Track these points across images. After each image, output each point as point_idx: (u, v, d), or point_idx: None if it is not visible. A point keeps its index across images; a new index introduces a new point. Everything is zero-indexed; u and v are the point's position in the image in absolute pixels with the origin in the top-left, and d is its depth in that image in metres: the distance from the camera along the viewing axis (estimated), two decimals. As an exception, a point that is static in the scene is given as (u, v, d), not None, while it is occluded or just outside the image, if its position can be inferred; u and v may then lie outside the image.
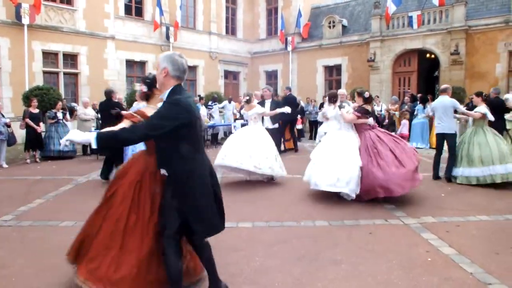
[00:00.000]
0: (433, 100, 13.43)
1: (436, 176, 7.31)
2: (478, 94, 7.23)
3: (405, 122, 12.65)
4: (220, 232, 2.71)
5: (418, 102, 12.92)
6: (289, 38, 19.85)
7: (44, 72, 14.21)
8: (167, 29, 17.61)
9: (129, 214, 2.77)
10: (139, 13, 17.45)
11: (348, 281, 3.18)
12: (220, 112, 14.91)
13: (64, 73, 14.85)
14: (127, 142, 2.78)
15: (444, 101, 7.19)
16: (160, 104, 2.72)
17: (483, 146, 6.75)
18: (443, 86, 7.61)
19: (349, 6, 19.92)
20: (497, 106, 8.13)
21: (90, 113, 11.29)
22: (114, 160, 6.81)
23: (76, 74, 15.22)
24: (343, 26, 18.98)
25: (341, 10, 19.94)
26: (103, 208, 2.91)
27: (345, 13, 19.66)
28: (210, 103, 14.74)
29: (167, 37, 17.71)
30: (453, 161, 7.12)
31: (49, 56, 14.42)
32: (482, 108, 6.94)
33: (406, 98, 13.56)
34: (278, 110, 7.63)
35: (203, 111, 14.25)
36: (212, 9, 19.96)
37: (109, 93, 7.71)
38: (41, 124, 10.02)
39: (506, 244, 4.00)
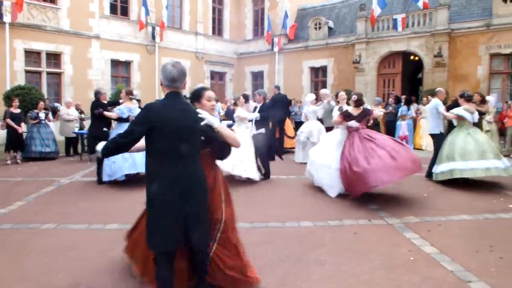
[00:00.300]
0: (416, 101, 13.72)
1: (428, 175, 7.48)
2: (461, 96, 7.37)
3: (402, 123, 12.73)
4: (164, 249, 2.48)
5: (402, 104, 13.11)
6: (276, 39, 19.90)
7: (26, 72, 13.93)
8: (153, 29, 17.47)
9: None
10: (125, 12, 17.27)
11: (331, 282, 3.20)
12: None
13: (47, 73, 14.59)
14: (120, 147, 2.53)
15: (432, 103, 7.63)
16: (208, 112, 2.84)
17: (462, 143, 6.86)
18: (436, 89, 8.04)
19: (335, 8, 20.08)
20: None
21: (73, 114, 11.12)
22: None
23: (59, 74, 14.98)
24: (329, 28, 19.12)
25: (327, 12, 20.09)
26: None
27: (331, 15, 19.81)
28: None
29: (153, 37, 17.57)
30: (434, 159, 7.36)
31: (31, 55, 14.16)
32: (457, 110, 7.09)
33: (390, 99, 13.72)
34: (249, 116, 7.45)
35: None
36: (199, 9, 19.89)
37: (96, 94, 7.71)
38: (23, 124, 9.82)
39: (486, 242, 4.09)
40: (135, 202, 5.72)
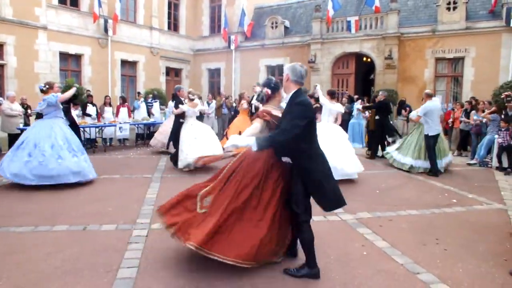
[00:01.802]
0: (368, 101, 14.24)
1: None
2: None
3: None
4: (341, 206, 3.30)
5: (355, 103, 13.58)
6: (232, 37, 19.83)
7: (-37, 62, 12.90)
8: (105, 21, 16.76)
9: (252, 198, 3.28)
10: (75, 3, 16.42)
11: (286, 278, 3.24)
12: (161, 110, 14.47)
13: (-12, 64, 13.59)
14: (282, 143, 3.07)
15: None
16: (283, 104, 3.42)
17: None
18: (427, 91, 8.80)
19: (291, 8, 20.35)
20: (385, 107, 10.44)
21: (17, 109, 10.42)
22: None
23: (1, 66, 13.98)
24: (285, 27, 19.35)
25: (284, 11, 20.32)
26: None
27: (287, 15, 20.05)
28: (150, 100, 14.26)
29: (106, 30, 16.85)
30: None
31: (-31, 45, 13.12)
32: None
33: (343, 99, 14.14)
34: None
35: (142, 108, 13.78)
36: (154, 3, 19.34)
37: (177, 90, 8.86)
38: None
39: (432, 235, 4.32)
40: (83, 202, 5.48)
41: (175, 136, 8.31)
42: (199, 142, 7.71)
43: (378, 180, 7.43)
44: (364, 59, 17.40)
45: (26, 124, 10.56)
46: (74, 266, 3.35)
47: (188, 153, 7.66)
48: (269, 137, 3.06)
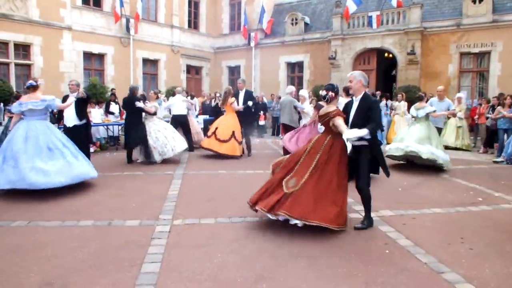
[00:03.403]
0: (390, 98, 14.03)
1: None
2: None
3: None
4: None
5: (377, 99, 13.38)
6: (252, 34, 19.84)
7: (-7, 63, 13.36)
8: (127, 21, 17.05)
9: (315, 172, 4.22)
10: (98, 3, 16.76)
11: (308, 274, 3.23)
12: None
13: (16, 64, 14.01)
14: (374, 132, 4.25)
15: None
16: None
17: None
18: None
19: (311, 4, 20.20)
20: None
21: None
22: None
23: (29, 66, 14.42)
24: (305, 24, 19.22)
25: (304, 7, 20.18)
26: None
27: (307, 11, 19.91)
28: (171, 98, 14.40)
29: (127, 29, 17.16)
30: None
31: (-2, 46, 13.56)
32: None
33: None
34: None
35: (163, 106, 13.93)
36: (174, 1, 19.54)
37: (132, 89, 8.59)
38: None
39: (457, 234, 4.23)
40: (107, 198, 5.61)
41: (135, 133, 8.40)
42: (169, 138, 8.52)
43: (399, 178, 7.30)
44: (386, 54, 17.11)
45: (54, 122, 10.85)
46: (99, 260, 3.44)
47: (175, 145, 8.49)
48: (371, 128, 4.12)
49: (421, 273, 3.28)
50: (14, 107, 5.95)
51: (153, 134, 8.34)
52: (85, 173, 6.01)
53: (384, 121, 12.85)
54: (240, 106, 9.30)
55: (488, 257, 3.64)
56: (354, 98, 4.47)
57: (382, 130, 11.45)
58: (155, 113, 8.63)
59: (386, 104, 13.20)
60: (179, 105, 10.21)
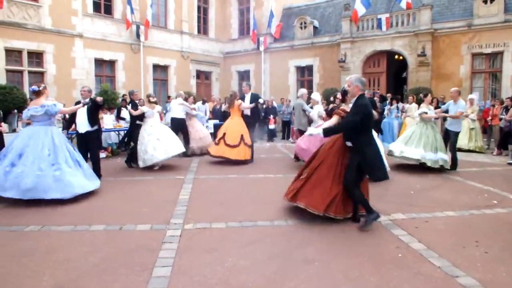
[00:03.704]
0: (401, 100, 13.91)
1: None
2: (425, 95, 8.46)
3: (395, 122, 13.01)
4: (387, 179, 4.81)
5: (388, 102, 13.28)
6: (261, 38, 19.89)
7: (7, 71, 13.59)
8: (138, 27, 17.24)
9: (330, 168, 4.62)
10: (108, 11, 17.00)
11: (320, 279, 3.20)
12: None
13: (29, 72, 14.26)
14: (339, 132, 4.64)
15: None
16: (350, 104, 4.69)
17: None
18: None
19: (320, 8, 20.19)
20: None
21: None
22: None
23: (42, 73, 14.67)
24: (314, 27, 19.21)
25: (312, 11, 20.18)
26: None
27: (316, 15, 19.90)
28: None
29: (138, 36, 17.35)
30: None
31: (12, 54, 13.81)
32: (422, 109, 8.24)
33: (375, 98, 13.85)
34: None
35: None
36: (184, 8, 19.73)
37: (130, 94, 9.31)
38: (3, 124, 9.54)
39: (471, 237, 4.15)
40: (119, 202, 5.65)
41: (129, 137, 8.63)
42: (163, 142, 8.18)
43: (412, 180, 7.22)
44: (396, 57, 16.99)
45: (64, 128, 10.99)
46: (111, 264, 3.46)
47: (154, 154, 8.07)
48: (332, 128, 4.66)
49: (435, 277, 3.23)
50: (24, 113, 6.03)
51: (141, 139, 8.26)
52: (80, 186, 5.73)
53: (395, 123, 12.77)
54: (250, 105, 9.07)
55: (504, 261, 3.57)
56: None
57: (381, 133, 11.28)
58: (143, 116, 8.46)
59: (397, 107, 13.08)
60: (175, 108, 10.34)
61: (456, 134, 8.29)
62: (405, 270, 3.35)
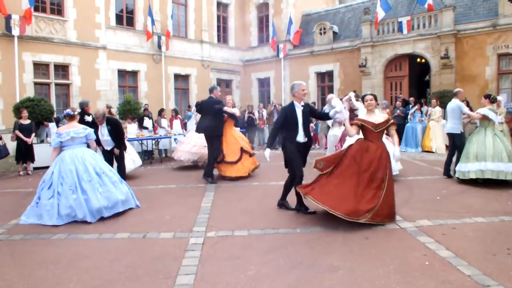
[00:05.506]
0: (426, 104, 13.63)
1: (447, 174, 7.71)
2: (486, 96, 7.48)
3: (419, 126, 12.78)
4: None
5: (411, 106, 13.03)
6: (281, 45, 19.95)
7: (35, 84, 14.10)
8: (159, 38, 17.60)
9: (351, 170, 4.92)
10: (131, 23, 17.43)
11: (345, 287, 3.14)
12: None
13: (56, 84, 14.75)
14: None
15: (452, 103, 7.69)
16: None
17: (480, 144, 6.99)
18: (455, 90, 8.12)
19: (339, 13, 20.10)
20: None
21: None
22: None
23: (67, 85, 15.14)
24: (334, 33, 19.13)
25: (332, 16, 20.11)
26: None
27: (335, 20, 19.82)
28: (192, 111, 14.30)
29: (159, 46, 17.71)
30: (451, 158, 7.70)
31: (40, 67, 14.33)
32: (483, 110, 7.11)
33: (397, 102, 13.63)
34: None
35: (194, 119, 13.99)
36: (204, 17, 20.02)
37: (84, 105, 8.51)
38: (33, 135, 9.90)
39: (503, 245, 3.99)
40: (142, 210, 5.72)
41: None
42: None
43: (438, 185, 7.03)
44: (418, 60, 16.70)
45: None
46: (135, 272, 3.50)
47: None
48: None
49: (465, 286, 3.12)
50: (53, 140, 5.74)
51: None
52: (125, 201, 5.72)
53: (419, 128, 12.52)
54: (233, 109, 8.98)
55: (538, 269, 3.41)
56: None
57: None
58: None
59: (421, 111, 12.83)
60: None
61: None
62: (432, 279, 3.25)
